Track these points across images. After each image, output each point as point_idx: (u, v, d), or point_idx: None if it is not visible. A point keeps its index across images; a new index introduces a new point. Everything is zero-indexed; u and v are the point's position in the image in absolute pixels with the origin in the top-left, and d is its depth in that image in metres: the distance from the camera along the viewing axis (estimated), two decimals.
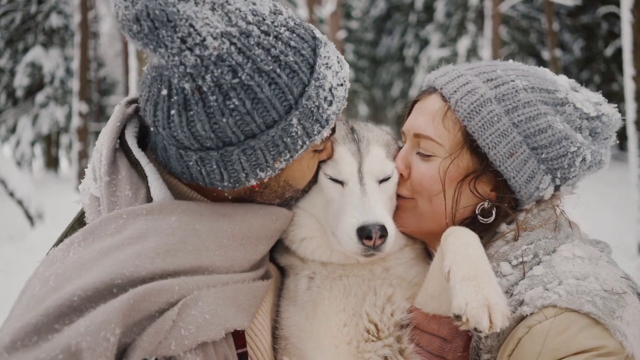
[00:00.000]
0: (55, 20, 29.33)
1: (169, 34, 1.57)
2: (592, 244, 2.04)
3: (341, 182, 2.13)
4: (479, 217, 2.05)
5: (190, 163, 1.78)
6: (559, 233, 1.98)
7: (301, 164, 1.93)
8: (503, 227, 2.03)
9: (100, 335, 1.37)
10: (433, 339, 1.91)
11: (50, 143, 35.89)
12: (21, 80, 28.86)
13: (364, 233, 1.96)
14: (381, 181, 2.16)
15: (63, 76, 29.53)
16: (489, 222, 2.05)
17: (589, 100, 2.04)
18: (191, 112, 1.66)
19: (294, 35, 1.74)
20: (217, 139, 1.69)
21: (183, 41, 1.58)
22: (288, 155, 1.76)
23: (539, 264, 1.89)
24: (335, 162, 2.13)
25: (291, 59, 1.70)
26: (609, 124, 2.05)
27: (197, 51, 1.60)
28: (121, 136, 1.93)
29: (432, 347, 1.91)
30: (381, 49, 36.07)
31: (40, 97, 29.41)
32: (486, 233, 2.05)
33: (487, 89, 2.00)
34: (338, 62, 1.85)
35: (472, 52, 27.16)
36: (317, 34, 1.85)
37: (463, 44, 27.27)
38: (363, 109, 35.69)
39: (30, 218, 14.97)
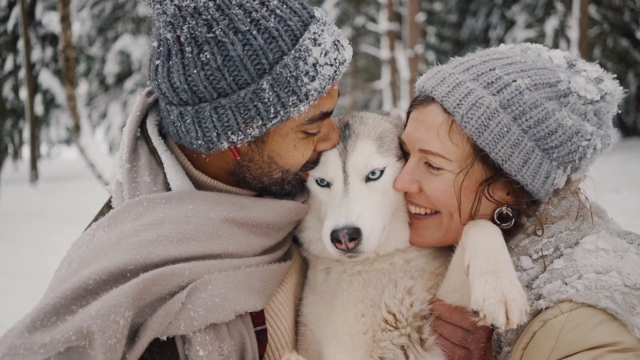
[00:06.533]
0: (142, 9, 30.27)
1: None
2: (620, 235, 1.94)
3: (329, 184, 2.10)
4: (497, 222, 1.98)
5: (173, 118, 1.86)
6: (583, 224, 1.92)
7: (286, 141, 1.91)
8: (523, 220, 1.98)
9: (110, 318, 1.47)
10: (456, 329, 1.91)
11: None
12: (111, 68, 30.10)
13: (334, 237, 1.94)
14: (370, 179, 2.07)
15: None
16: (508, 226, 1.98)
17: (589, 78, 1.93)
18: (170, 63, 1.77)
19: (284, 6, 1.80)
20: (192, 93, 1.77)
21: None
22: (260, 122, 1.79)
23: (559, 257, 1.83)
24: (322, 163, 2.10)
25: (272, 25, 1.74)
26: (612, 101, 1.94)
27: (176, 1, 1.70)
28: (143, 125, 2.03)
29: (455, 338, 1.91)
30: (465, 31, 35.20)
31: (128, 84, 30.56)
32: (517, 232, 1.99)
33: (491, 97, 1.88)
34: (334, 44, 1.86)
35: (560, 33, 26.11)
36: (317, 14, 1.89)
37: (550, 24, 26.20)
38: None
39: None
